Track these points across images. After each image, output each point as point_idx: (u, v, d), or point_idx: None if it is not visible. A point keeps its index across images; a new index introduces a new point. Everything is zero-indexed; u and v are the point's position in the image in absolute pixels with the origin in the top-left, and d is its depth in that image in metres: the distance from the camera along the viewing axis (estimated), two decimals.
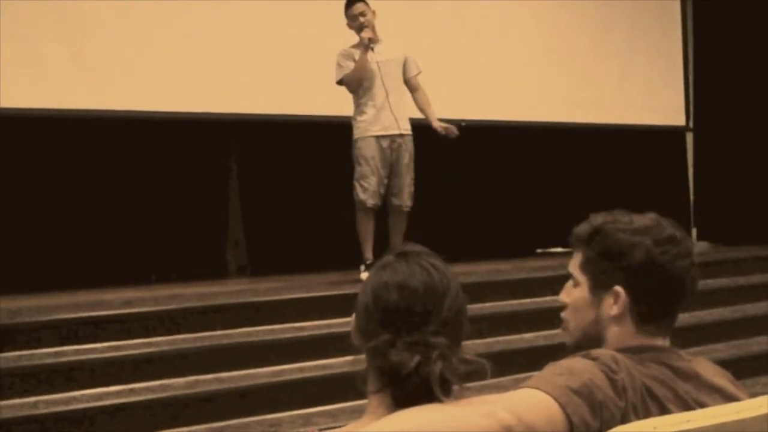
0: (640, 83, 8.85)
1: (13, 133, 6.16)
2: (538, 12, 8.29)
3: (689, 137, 9.49)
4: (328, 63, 6.28)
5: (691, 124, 9.39)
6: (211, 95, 6.72)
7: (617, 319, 1.86)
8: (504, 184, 8.19)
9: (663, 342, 1.88)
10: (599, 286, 1.88)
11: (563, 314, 1.95)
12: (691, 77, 9.35)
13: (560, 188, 8.31)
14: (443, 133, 6.33)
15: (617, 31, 8.76)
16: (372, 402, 1.70)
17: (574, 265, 1.93)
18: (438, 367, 1.61)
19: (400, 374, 1.62)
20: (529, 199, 8.20)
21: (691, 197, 9.46)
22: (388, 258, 1.76)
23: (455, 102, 7.39)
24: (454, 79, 7.44)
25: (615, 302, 1.86)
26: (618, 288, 1.85)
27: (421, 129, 6.39)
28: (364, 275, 6.11)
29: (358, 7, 6.19)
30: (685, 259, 1.87)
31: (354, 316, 1.76)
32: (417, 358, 1.62)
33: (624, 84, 8.74)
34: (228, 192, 7.15)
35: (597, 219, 1.92)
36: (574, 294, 1.91)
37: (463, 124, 7.45)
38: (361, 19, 6.16)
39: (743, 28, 8.90)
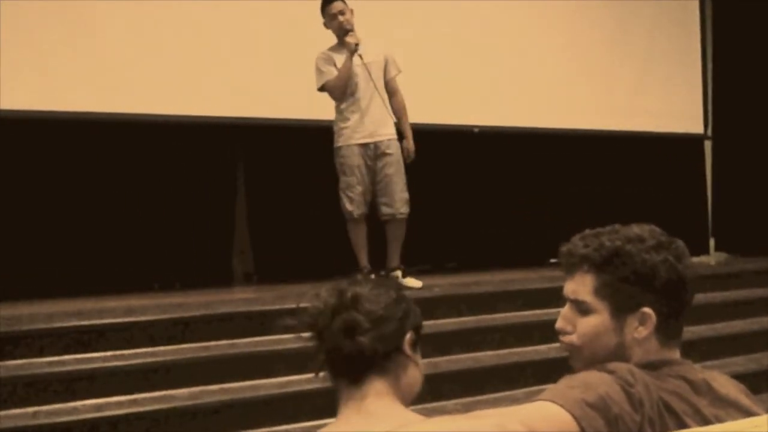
0: (657, 89, 8.77)
1: (16, 135, 6.10)
2: (553, 15, 8.23)
3: (707, 145, 9.42)
4: None
5: (709, 132, 9.32)
6: (217, 99, 6.67)
7: (643, 340, 1.82)
8: (517, 192, 8.12)
9: (678, 355, 1.87)
10: (623, 310, 1.83)
11: (568, 340, 1.88)
12: (709, 83, 9.28)
13: (574, 196, 8.23)
14: (404, 153, 6.15)
15: (633, 37, 8.68)
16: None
17: (584, 291, 1.85)
18: None
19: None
20: (542, 208, 8.12)
21: (709, 207, 9.37)
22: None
23: (467, 107, 7.32)
24: (465, 85, 7.36)
25: (642, 324, 1.82)
26: (647, 309, 1.81)
27: (432, 135, 6.31)
28: None
29: (337, 5, 6.00)
30: (692, 267, 1.86)
31: None
32: None
33: (640, 90, 8.66)
34: (234, 197, 7.08)
35: (592, 240, 1.86)
36: (589, 322, 1.85)
37: (475, 130, 7.38)
38: (340, 18, 5.98)
39: (764, 33, 8.79)
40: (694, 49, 9.13)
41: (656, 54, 8.78)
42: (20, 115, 6.01)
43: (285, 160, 7.09)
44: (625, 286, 1.81)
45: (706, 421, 1.73)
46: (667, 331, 1.83)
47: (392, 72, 6.18)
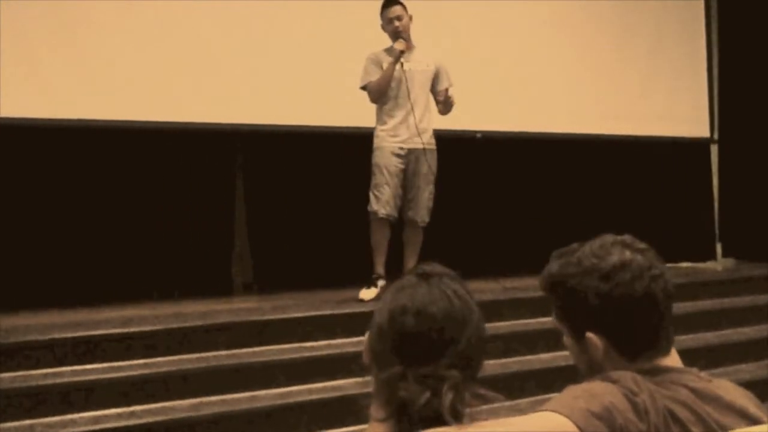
0: (663, 93, 8.73)
1: (12, 143, 6.06)
2: (557, 19, 8.19)
3: (714, 149, 9.36)
4: (338, 72, 6.16)
5: (715, 136, 9.26)
6: (216, 105, 6.63)
7: (607, 359, 1.81)
8: (521, 198, 8.07)
9: (670, 360, 1.83)
10: (576, 335, 1.84)
11: None
12: (715, 87, 9.23)
13: (580, 202, 8.18)
14: (443, 98, 6.06)
15: (639, 40, 8.65)
16: (372, 427, 1.64)
17: (553, 314, 1.88)
18: (448, 398, 1.56)
19: (408, 408, 1.58)
20: (547, 213, 8.07)
21: (716, 212, 9.30)
22: (409, 279, 1.69)
23: (470, 112, 7.24)
24: (469, 89, 7.27)
25: (594, 348, 1.81)
26: (589, 335, 1.80)
27: (437, 140, 6.25)
28: (363, 293, 5.95)
29: (395, 10, 6.00)
30: (641, 279, 1.78)
31: (367, 335, 1.69)
32: (427, 394, 1.57)
33: (646, 94, 8.61)
34: (233, 205, 7.02)
35: (553, 264, 1.86)
36: (566, 341, 1.87)
37: (479, 135, 7.33)
38: (396, 23, 5.98)
39: None
40: (700, 52, 9.08)
41: (662, 57, 8.74)
42: (17, 122, 5.97)
43: (285, 167, 7.04)
44: (567, 311, 1.82)
45: (710, 429, 1.71)
46: (627, 348, 1.79)
47: (443, 84, 6.19)
